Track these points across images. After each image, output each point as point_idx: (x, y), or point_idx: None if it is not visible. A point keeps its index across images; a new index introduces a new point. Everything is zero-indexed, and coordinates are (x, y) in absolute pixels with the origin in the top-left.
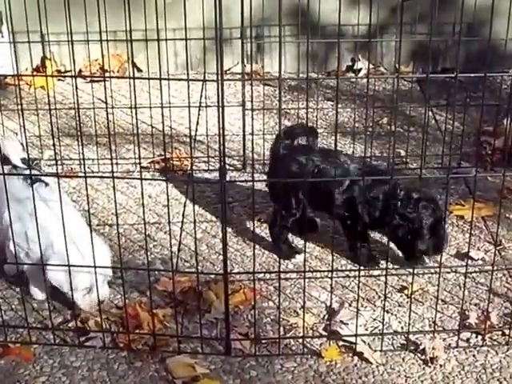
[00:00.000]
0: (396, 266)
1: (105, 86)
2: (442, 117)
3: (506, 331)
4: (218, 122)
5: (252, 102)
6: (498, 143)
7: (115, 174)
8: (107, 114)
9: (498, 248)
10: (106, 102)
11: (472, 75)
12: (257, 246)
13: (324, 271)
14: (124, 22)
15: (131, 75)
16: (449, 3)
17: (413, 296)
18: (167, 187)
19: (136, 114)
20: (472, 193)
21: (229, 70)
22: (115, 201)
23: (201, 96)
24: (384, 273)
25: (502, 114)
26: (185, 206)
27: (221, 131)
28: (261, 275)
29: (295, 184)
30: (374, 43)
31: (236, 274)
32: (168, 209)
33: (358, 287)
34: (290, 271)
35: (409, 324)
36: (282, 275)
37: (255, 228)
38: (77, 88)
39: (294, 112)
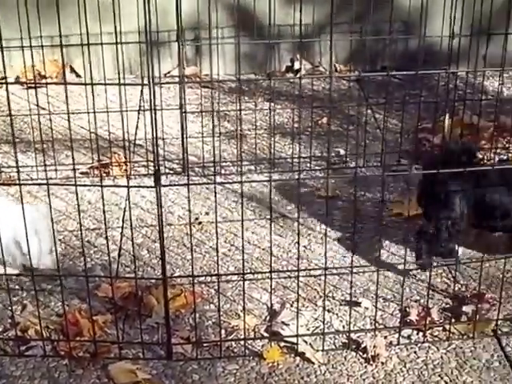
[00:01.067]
0: (337, 265)
1: (36, 92)
2: (381, 115)
3: (447, 326)
4: (152, 125)
5: (186, 104)
6: (437, 140)
7: (54, 181)
8: (39, 120)
9: None
10: (43, 108)
11: (405, 73)
12: (197, 249)
13: (264, 272)
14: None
15: (67, 81)
16: (385, 2)
17: (354, 295)
18: (102, 193)
19: (69, 120)
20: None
21: (168, 73)
22: (50, 208)
23: (140, 100)
24: (324, 272)
25: (441, 111)
26: (124, 211)
27: (154, 135)
28: (202, 278)
29: None
30: (313, 43)
31: (176, 278)
32: (104, 214)
33: (298, 287)
34: (229, 273)
35: (349, 323)
36: (224, 278)
37: (195, 231)
38: (9, 95)
39: (234, 114)
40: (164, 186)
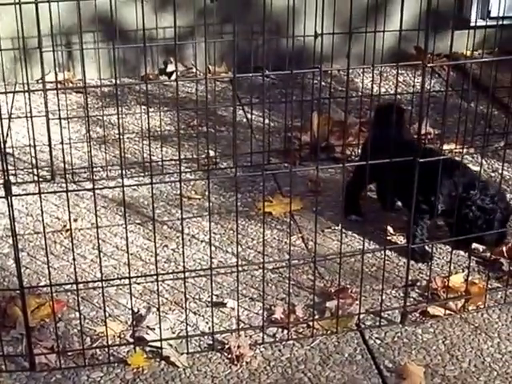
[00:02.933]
0: (205, 267)
1: None
2: (254, 115)
3: (311, 323)
4: (1, 133)
5: (60, 110)
6: (306, 138)
7: None
8: None
9: (305, 242)
10: None
11: (280, 73)
12: (65, 257)
13: (125, 278)
14: None
15: None
16: (257, 3)
17: (221, 295)
18: None
19: None
20: (280, 188)
21: (40, 79)
22: None
23: (11, 107)
24: (183, 275)
25: (311, 109)
26: None
27: (2, 144)
28: (68, 286)
29: None
30: (185, 45)
31: (34, 288)
32: None
33: (157, 291)
34: (91, 281)
35: (213, 324)
36: (90, 284)
37: (63, 239)
38: None
39: (106, 118)
40: (14, 195)
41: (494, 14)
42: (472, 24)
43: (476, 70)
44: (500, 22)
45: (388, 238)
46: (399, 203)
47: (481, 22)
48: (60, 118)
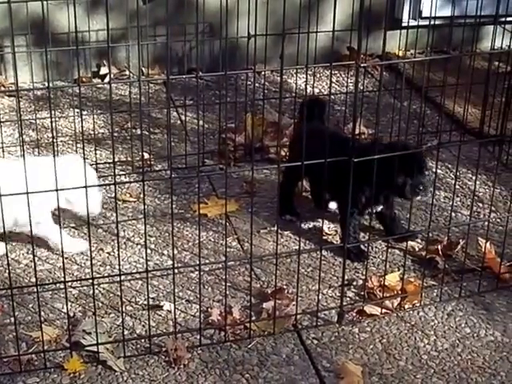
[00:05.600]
0: (141, 270)
1: None
2: (188, 117)
3: (248, 324)
4: None
5: None
6: (240, 139)
7: None
8: None
9: (240, 243)
10: None
11: (214, 74)
12: None
13: (60, 282)
14: None
15: None
16: (190, 5)
17: (158, 298)
18: None
19: None
20: (215, 190)
21: None
22: None
23: None
24: (119, 279)
25: (245, 110)
26: None
27: None
28: (2, 291)
29: None
30: (119, 48)
31: None
32: None
33: (93, 295)
34: (26, 286)
35: (149, 327)
36: (25, 289)
37: None
38: None
39: (39, 122)
40: None
41: (425, 13)
42: (404, 24)
43: (408, 69)
44: (432, 22)
45: (324, 237)
46: (332, 205)
47: (413, 22)
48: None
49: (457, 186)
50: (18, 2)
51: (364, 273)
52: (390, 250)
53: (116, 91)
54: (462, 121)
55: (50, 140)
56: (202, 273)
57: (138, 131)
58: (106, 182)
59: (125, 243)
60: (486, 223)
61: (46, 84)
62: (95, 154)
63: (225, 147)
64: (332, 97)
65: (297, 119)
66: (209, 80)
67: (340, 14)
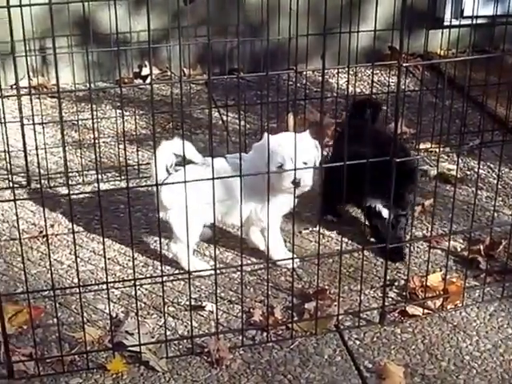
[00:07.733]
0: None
1: None
2: (230, 117)
3: (290, 325)
4: None
5: (34, 115)
6: None
7: None
8: None
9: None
10: None
11: (255, 75)
12: (42, 263)
13: (102, 283)
14: None
15: None
16: (231, 5)
17: (200, 299)
18: None
19: None
20: None
21: (14, 84)
22: None
23: None
24: (161, 279)
25: (287, 110)
26: None
27: None
28: (46, 292)
29: None
30: (160, 48)
31: (11, 295)
32: None
33: (136, 296)
34: (68, 287)
35: (192, 327)
36: (68, 290)
37: (39, 245)
38: None
39: (81, 123)
40: None
41: (467, 13)
42: (446, 23)
43: (450, 69)
44: (473, 22)
45: (366, 238)
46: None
47: (454, 21)
48: (34, 124)
49: (499, 186)
50: (59, 4)
51: (406, 273)
52: (432, 251)
53: (158, 92)
54: (504, 120)
55: (92, 141)
56: (243, 273)
57: (180, 132)
58: (148, 182)
59: (167, 244)
60: None
61: (88, 85)
62: (137, 154)
63: None
64: (373, 96)
65: (343, 119)
66: (250, 80)
67: (381, 14)
